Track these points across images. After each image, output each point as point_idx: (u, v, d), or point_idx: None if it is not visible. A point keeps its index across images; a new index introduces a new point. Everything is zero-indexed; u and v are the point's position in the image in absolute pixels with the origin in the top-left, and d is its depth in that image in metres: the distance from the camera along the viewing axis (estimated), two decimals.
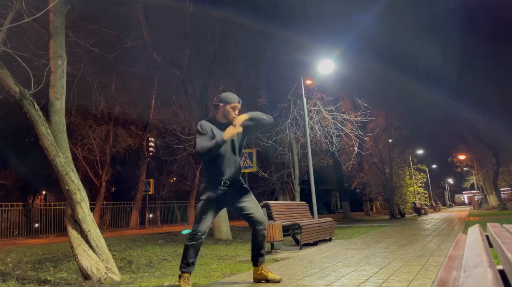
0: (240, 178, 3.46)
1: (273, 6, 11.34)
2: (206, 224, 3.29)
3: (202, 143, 3.26)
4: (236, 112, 3.45)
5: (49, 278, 4.25)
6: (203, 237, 3.27)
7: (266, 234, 3.41)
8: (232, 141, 3.39)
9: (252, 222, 3.34)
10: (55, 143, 3.94)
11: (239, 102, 3.46)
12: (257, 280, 3.38)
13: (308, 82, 11.64)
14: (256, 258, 3.38)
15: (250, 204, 3.38)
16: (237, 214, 3.60)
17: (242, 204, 3.36)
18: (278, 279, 3.30)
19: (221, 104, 3.47)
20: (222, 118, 3.46)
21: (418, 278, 3.18)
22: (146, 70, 15.13)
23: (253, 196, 3.45)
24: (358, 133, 11.62)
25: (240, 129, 3.30)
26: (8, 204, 14.69)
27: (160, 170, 23.41)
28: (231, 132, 3.27)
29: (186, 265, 3.26)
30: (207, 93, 10.48)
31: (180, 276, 3.26)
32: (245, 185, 3.47)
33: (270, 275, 3.32)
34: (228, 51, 10.95)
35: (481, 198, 36.64)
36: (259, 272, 3.36)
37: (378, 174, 20.92)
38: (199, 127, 3.37)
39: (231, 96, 3.49)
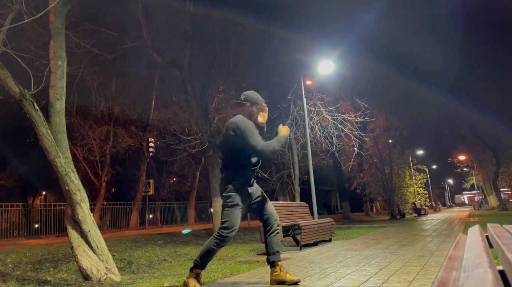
0: None
1: (273, 7, 11.34)
2: (236, 230, 3.21)
3: (262, 141, 3.21)
4: (265, 114, 3.45)
5: (49, 279, 4.25)
6: (229, 242, 3.25)
7: (279, 231, 3.39)
8: None
9: (270, 219, 3.31)
10: (55, 143, 3.94)
11: (264, 104, 3.46)
12: (274, 282, 3.22)
13: (308, 82, 11.64)
14: (272, 257, 3.27)
15: (266, 201, 3.39)
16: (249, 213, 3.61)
17: (260, 203, 3.36)
18: (296, 281, 3.19)
19: (248, 103, 3.40)
20: (246, 117, 3.38)
21: (418, 278, 3.18)
22: (146, 71, 15.12)
23: (264, 193, 3.46)
24: (358, 133, 11.62)
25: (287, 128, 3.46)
26: (8, 205, 14.67)
27: (160, 171, 23.40)
28: (288, 130, 3.41)
29: (204, 264, 3.22)
30: (207, 93, 10.48)
31: (195, 272, 3.20)
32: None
33: (289, 277, 3.19)
34: (228, 52, 10.95)
35: (481, 198, 36.64)
36: (276, 273, 3.22)
37: (378, 174, 20.92)
38: (250, 125, 3.24)
39: (259, 97, 3.45)
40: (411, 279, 3.14)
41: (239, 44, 11.10)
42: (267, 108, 3.46)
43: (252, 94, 3.46)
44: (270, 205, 3.41)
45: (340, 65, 12.03)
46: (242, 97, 3.44)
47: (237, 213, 3.18)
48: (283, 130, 3.37)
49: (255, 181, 3.41)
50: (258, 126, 3.35)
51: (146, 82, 16.97)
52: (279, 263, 3.25)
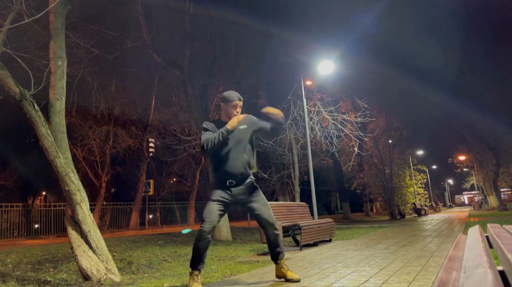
0: (252, 177, 3.43)
1: (273, 7, 11.35)
2: (212, 223, 3.24)
3: (207, 136, 3.29)
4: (238, 109, 3.46)
5: (49, 279, 4.25)
6: (209, 236, 3.24)
7: (278, 233, 3.41)
8: (238, 139, 3.38)
9: (262, 222, 3.35)
10: (55, 143, 3.94)
11: (240, 100, 3.46)
12: (278, 276, 3.41)
13: (308, 82, 11.64)
14: (274, 256, 3.41)
15: (259, 204, 3.37)
16: (240, 214, 3.61)
17: (251, 204, 3.35)
18: (296, 279, 3.32)
19: (223, 103, 3.50)
20: (226, 118, 3.46)
21: (418, 279, 3.18)
22: (146, 71, 15.13)
23: (262, 195, 3.43)
24: (358, 133, 11.62)
25: (241, 116, 3.38)
26: (8, 205, 14.67)
27: (160, 171, 23.40)
28: (234, 120, 3.33)
29: (195, 263, 3.26)
30: (207, 93, 10.48)
31: (190, 274, 3.27)
32: (255, 185, 3.44)
33: (289, 274, 3.34)
34: (228, 52, 10.95)
35: (481, 198, 36.66)
36: (281, 269, 3.39)
37: (378, 174, 20.91)
38: (204, 125, 3.41)
39: (232, 95, 3.48)
40: (411, 280, 3.14)
41: (239, 44, 11.11)
42: (240, 103, 3.47)
43: (226, 94, 3.53)
44: (267, 210, 3.38)
45: (340, 65, 12.04)
46: (216, 99, 3.63)
47: (212, 206, 3.25)
48: (231, 120, 3.35)
49: (252, 182, 3.41)
50: (241, 123, 3.40)
51: (146, 82, 16.98)
52: (282, 261, 3.41)
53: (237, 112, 3.44)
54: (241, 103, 3.49)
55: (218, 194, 3.30)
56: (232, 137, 3.37)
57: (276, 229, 3.39)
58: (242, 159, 3.37)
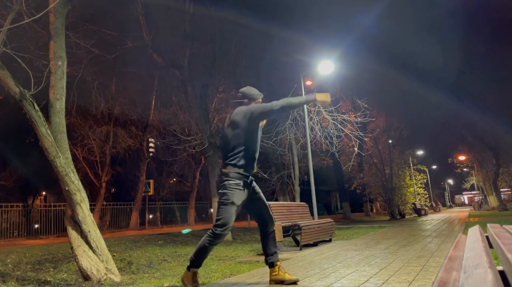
0: None
1: (273, 7, 11.34)
2: (230, 224, 3.13)
3: (277, 102, 3.13)
4: None
5: (49, 279, 4.25)
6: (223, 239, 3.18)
7: (276, 233, 3.36)
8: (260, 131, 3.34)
9: (265, 219, 3.29)
10: (55, 143, 3.94)
11: (261, 96, 3.43)
12: (273, 282, 3.25)
13: (308, 82, 11.64)
14: (270, 258, 3.29)
15: (262, 200, 3.33)
16: (240, 214, 3.53)
17: (255, 201, 3.29)
18: (295, 280, 3.21)
19: (246, 100, 3.39)
20: None
21: (418, 279, 3.18)
22: (146, 71, 15.13)
23: (262, 194, 3.39)
24: (358, 133, 11.62)
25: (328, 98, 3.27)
26: (8, 205, 14.68)
27: (160, 171, 23.41)
28: (324, 98, 3.22)
29: (198, 262, 3.20)
30: (207, 93, 10.48)
31: (190, 270, 3.19)
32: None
33: (288, 277, 3.21)
34: (228, 52, 10.95)
35: (481, 199, 36.66)
36: (275, 273, 3.24)
37: (378, 174, 20.92)
38: (243, 108, 3.28)
39: (255, 92, 3.42)
40: (411, 280, 3.14)
41: (239, 44, 11.10)
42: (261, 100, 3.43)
43: (248, 90, 3.44)
44: (267, 207, 3.35)
45: (340, 65, 12.04)
46: (239, 94, 3.45)
47: (232, 211, 3.12)
48: (319, 95, 3.22)
49: (253, 180, 3.34)
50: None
51: (146, 82, 16.98)
52: (278, 263, 3.27)
53: None
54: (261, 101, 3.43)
55: (240, 197, 3.16)
56: (259, 128, 3.30)
57: (274, 227, 3.34)
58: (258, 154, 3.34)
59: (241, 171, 3.17)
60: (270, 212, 3.36)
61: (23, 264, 5.32)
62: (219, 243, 3.22)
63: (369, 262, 4.28)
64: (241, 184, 3.16)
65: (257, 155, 3.28)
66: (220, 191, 3.19)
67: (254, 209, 3.33)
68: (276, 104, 3.13)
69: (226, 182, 3.16)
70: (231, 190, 3.13)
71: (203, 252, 3.17)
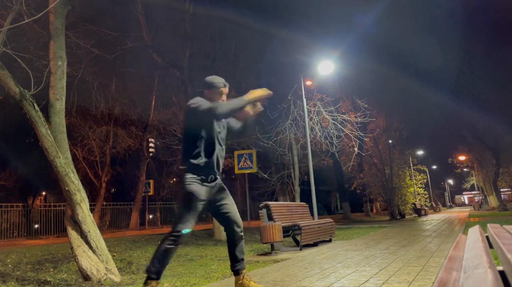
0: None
1: (273, 7, 11.34)
2: (192, 223, 2.81)
3: (219, 103, 2.84)
4: (224, 97, 3.05)
5: (49, 279, 4.25)
6: (185, 239, 2.83)
7: (243, 236, 3.08)
8: (223, 127, 3.07)
9: (230, 224, 3.00)
10: (55, 143, 3.94)
11: (225, 86, 3.05)
12: None
13: (308, 83, 11.64)
14: (237, 265, 2.99)
15: (230, 203, 3.03)
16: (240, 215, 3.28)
17: (220, 203, 3.00)
18: None
19: (206, 90, 3.07)
20: None
21: (418, 279, 3.18)
22: (146, 71, 15.13)
23: (230, 195, 3.09)
24: (358, 133, 11.62)
25: (270, 92, 2.96)
26: (8, 205, 14.68)
27: (160, 171, 23.41)
28: (258, 93, 2.92)
29: (158, 270, 2.76)
30: None
31: (146, 283, 2.74)
32: (223, 184, 3.09)
33: (253, 285, 2.92)
34: (228, 52, 10.95)
35: (481, 199, 36.67)
36: (240, 281, 2.95)
37: (378, 175, 20.92)
38: (196, 99, 2.94)
39: (216, 80, 3.06)
40: (411, 280, 3.14)
41: (239, 44, 11.10)
42: (226, 90, 3.07)
43: (210, 79, 3.08)
44: (235, 209, 3.05)
45: (340, 65, 12.04)
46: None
47: (198, 207, 2.85)
48: (256, 91, 2.94)
49: (218, 177, 3.04)
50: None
51: (146, 82, 16.98)
52: (243, 271, 3.01)
53: (223, 101, 3.03)
54: (227, 90, 3.07)
55: (203, 193, 2.86)
56: (220, 124, 3.03)
57: (242, 231, 3.05)
58: (223, 153, 3.03)
59: (197, 168, 2.89)
60: (238, 215, 3.06)
61: (23, 264, 5.32)
62: (180, 244, 2.86)
63: (369, 262, 4.28)
64: (199, 179, 2.88)
65: (216, 152, 2.95)
66: (182, 188, 2.91)
67: (220, 211, 3.02)
68: (219, 105, 2.86)
69: (187, 179, 2.87)
70: (192, 187, 2.85)
71: (164, 257, 2.78)
